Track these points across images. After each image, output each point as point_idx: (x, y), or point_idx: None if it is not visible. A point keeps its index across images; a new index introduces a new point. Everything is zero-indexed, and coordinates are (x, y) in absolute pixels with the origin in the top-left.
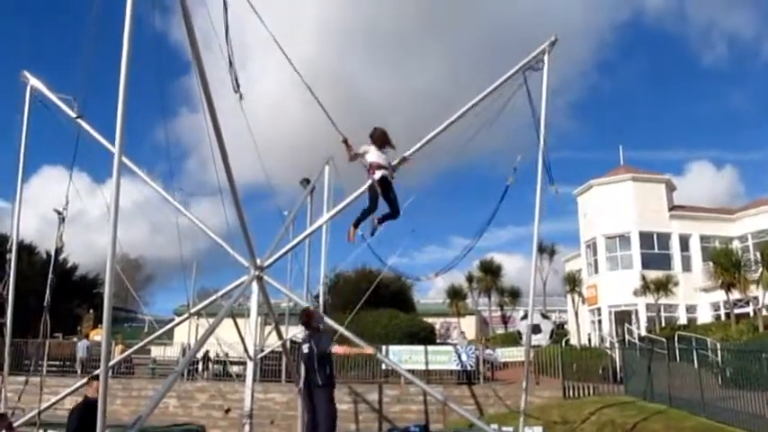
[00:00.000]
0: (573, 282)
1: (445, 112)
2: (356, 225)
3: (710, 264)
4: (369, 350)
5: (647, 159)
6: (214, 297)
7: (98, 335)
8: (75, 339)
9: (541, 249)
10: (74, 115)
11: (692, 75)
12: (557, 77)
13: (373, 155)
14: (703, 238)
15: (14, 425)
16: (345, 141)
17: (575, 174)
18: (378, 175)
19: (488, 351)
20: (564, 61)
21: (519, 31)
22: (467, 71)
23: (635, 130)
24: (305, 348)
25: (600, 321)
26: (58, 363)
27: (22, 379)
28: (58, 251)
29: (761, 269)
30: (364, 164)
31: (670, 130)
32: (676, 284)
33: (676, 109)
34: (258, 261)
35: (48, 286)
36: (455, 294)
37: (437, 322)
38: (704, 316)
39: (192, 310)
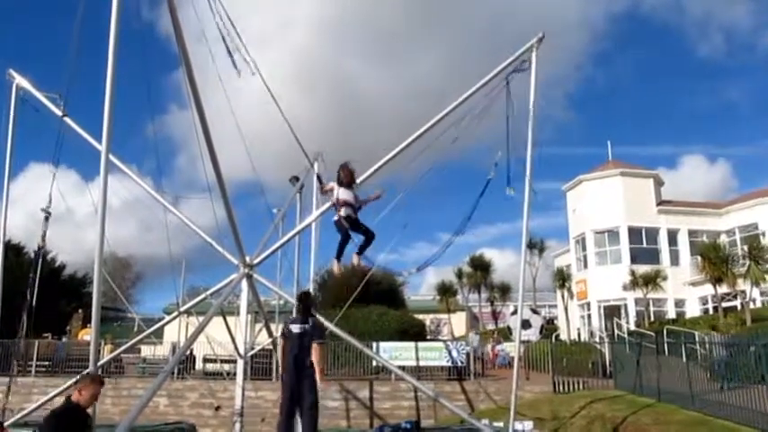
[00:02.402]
0: (562, 277)
1: (440, 105)
2: (338, 258)
3: (698, 258)
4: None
5: (639, 153)
6: (204, 295)
7: (87, 334)
8: (64, 340)
9: (531, 245)
10: (60, 114)
11: (687, 68)
12: (551, 70)
13: (341, 192)
14: (691, 233)
15: (5, 425)
16: (319, 178)
17: (567, 168)
18: (343, 212)
19: (500, 346)
20: (558, 54)
21: (516, 23)
22: (463, 64)
23: (628, 124)
24: (296, 329)
25: (589, 316)
26: (47, 363)
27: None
28: (40, 250)
29: (748, 263)
30: (332, 200)
31: (663, 124)
32: (665, 279)
33: (670, 102)
34: (248, 259)
35: (30, 285)
36: (445, 291)
37: (427, 319)
38: (692, 310)
39: (182, 309)
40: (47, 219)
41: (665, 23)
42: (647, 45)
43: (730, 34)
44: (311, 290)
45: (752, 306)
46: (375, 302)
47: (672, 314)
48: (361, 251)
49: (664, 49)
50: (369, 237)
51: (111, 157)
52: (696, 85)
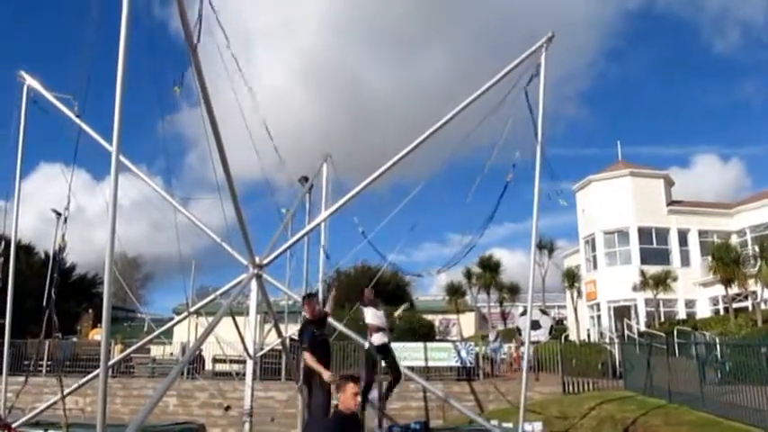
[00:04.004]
0: (572, 277)
1: (449, 104)
2: (363, 406)
3: (709, 258)
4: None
5: (652, 153)
6: (213, 296)
7: (98, 334)
8: (75, 339)
9: (540, 245)
10: (72, 115)
11: (702, 65)
12: (563, 68)
13: (370, 316)
14: (702, 233)
15: (14, 425)
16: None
17: (578, 169)
18: (376, 339)
19: (523, 349)
20: (570, 51)
21: (528, 21)
22: (473, 64)
23: (641, 122)
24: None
25: (599, 317)
26: (51, 363)
27: (22, 379)
28: (61, 251)
29: (759, 263)
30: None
31: (676, 122)
32: (675, 279)
33: (684, 100)
34: (257, 259)
35: (51, 285)
36: (454, 291)
37: (436, 319)
38: (703, 310)
39: (192, 309)
40: (65, 221)
41: (680, 19)
42: (661, 42)
43: (747, 30)
44: (320, 291)
45: (763, 307)
46: (384, 303)
47: (682, 315)
48: (387, 396)
49: (678, 46)
50: (396, 375)
51: (122, 158)
52: (710, 83)
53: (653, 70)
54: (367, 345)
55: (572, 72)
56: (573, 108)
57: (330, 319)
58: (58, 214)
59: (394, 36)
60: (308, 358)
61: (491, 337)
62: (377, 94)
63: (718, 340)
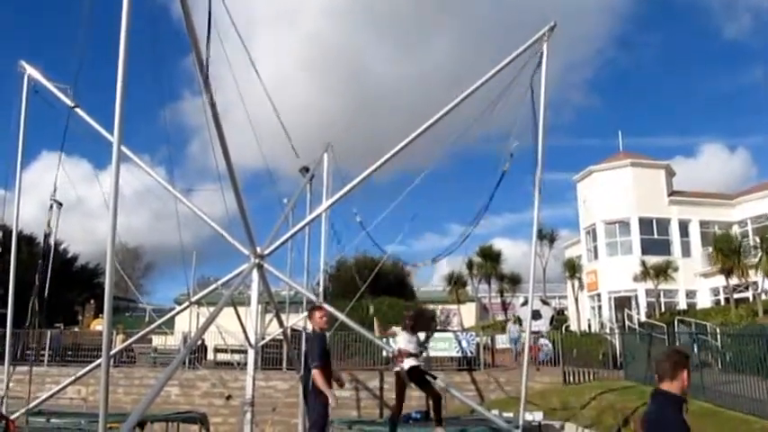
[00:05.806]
0: (573, 268)
1: (452, 94)
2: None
3: (710, 249)
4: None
5: (658, 142)
6: (214, 286)
7: (99, 324)
8: (76, 329)
9: (541, 236)
10: (71, 105)
11: (712, 51)
12: (570, 54)
13: (402, 341)
14: (703, 224)
15: (12, 416)
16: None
17: (581, 159)
18: (406, 365)
19: (543, 340)
20: (577, 38)
21: (534, 6)
22: (477, 51)
23: (648, 110)
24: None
25: (600, 307)
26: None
27: (23, 369)
28: (47, 237)
29: (760, 254)
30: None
31: (684, 110)
32: (676, 270)
33: (692, 88)
34: (258, 249)
35: (37, 272)
36: (455, 281)
37: (437, 309)
38: (704, 301)
39: (193, 299)
40: (51, 208)
41: (690, 3)
42: (670, 27)
43: (758, 14)
44: (321, 281)
45: (764, 297)
46: (385, 294)
47: (683, 305)
48: (438, 420)
49: (688, 31)
50: (435, 398)
51: (123, 148)
52: (720, 69)
53: (662, 57)
54: (398, 368)
55: (579, 59)
56: (580, 96)
57: (331, 309)
58: (60, 204)
59: (398, 24)
60: (319, 379)
61: (510, 326)
62: (379, 82)
63: (718, 330)
